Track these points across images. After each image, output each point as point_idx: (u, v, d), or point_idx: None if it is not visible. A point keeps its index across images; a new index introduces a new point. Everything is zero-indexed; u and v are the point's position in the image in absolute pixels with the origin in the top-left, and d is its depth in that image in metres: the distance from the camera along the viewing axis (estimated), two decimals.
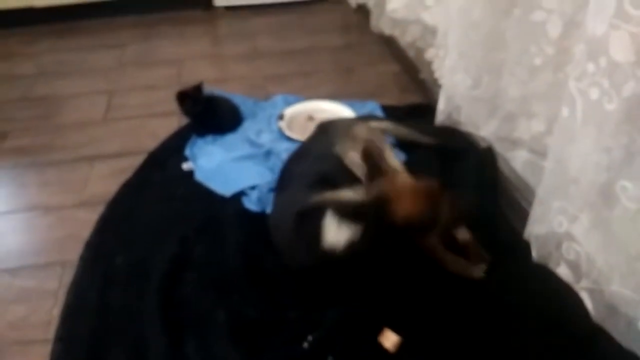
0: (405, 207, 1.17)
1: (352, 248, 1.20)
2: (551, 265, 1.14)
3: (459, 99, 1.32)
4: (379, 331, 1.24)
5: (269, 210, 1.62)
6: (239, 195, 1.71)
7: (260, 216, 1.63)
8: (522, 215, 1.49)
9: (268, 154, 1.88)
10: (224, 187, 1.75)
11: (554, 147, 1.03)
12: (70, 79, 2.52)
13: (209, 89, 2.26)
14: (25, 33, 2.95)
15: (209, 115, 2.02)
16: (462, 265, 1.35)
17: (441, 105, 1.65)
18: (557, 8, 1.03)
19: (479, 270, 1.34)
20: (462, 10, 1.29)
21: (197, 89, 2.00)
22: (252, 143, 1.96)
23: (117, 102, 2.32)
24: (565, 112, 0.95)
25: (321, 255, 1.25)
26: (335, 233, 1.22)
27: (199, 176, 1.81)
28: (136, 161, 1.90)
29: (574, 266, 1.08)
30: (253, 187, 1.72)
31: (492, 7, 1.21)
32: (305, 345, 1.25)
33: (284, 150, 1.83)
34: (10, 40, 2.89)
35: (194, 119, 2.04)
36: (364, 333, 1.25)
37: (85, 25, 3.04)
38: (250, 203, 1.67)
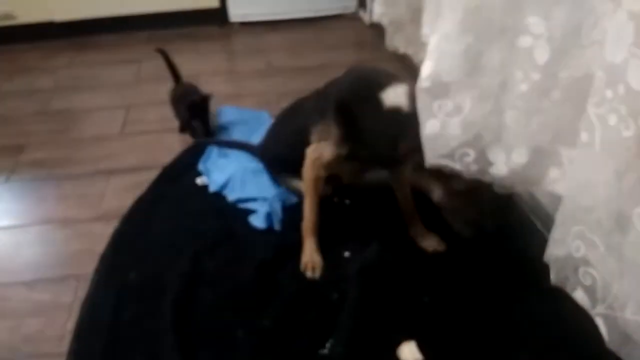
0: None
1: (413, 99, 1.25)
2: (568, 289, 1.14)
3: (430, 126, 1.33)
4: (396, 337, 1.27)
5: (277, 226, 1.66)
6: (249, 211, 1.73)
7: (271, 231, 1.65)
8: (536, 236, 1.49)
9: None
10: (233, 194, 1.79)
11: (572, 171, 1.04)
12: (88, 94, 2.56)
13: (224, 104, 2.31)
14: (44, 47, 3.02)
15: None
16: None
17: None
18: (544, 33, 1.02)
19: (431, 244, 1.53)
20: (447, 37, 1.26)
21: (205, 99, 2.09)
22: None
23: (133, 116, 2.36)
24: (584, 137, 0.95)
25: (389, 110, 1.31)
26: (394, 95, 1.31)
27: (213, 190, 1.83)
28: (152, 175, 1.92)
29: (590, 291, 1.08)
30: (256, 200, 1.75)
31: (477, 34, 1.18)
32: (325, 351, 1.27)
33: None
34: (29, 55, 2.96)
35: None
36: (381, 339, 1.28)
37: (103, 40, 3.10)
38: (258, 220, 1.68)
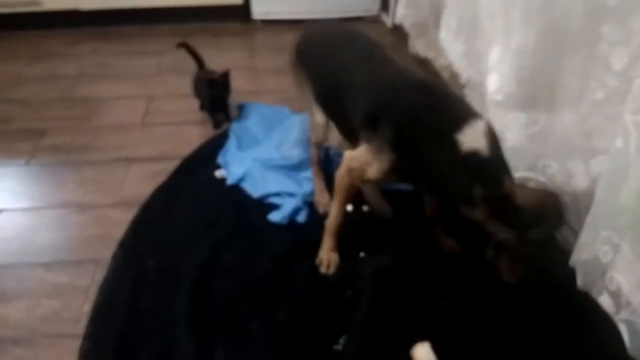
0: None
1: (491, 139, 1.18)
2: (594, 293, 1.14)
3: (510, 138, 1.28)
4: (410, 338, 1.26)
5: (302, 218, 1.69)
6: (267, 206, 1.74)
7: (288, 226, 1.67)
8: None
9: (297, 165, 1.91)
10: (253, 189, 1.81)
11: (605, 176, 1.04)
12: (111, 82, 2.58)
13: (244, 100, 2.32)
14: (68, 35, 3.04)
15: None
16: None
17: None
18: (621, 39, 1.02)
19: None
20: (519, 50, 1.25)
21: (225, 75, 2.14)
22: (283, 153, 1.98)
23: (154, 107, 2.37)
24: (619, 143, 0.95)
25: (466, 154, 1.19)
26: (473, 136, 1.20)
27: (231, 183, 1.85)
28: (171, 166, 1.93)
29: (616, 296, 1.07)
30: (279, 195, 1.77)
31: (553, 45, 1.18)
32: (339, 347, 1.27)
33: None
34: (53, 41, 2.98)
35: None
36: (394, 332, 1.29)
37: (127, 31, 3.12)
38: (279, 216, 1.69)
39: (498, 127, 1.17)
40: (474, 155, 1.15)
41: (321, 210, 1.71)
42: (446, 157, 1.19)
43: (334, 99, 1.53)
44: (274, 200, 1.76)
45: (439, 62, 2.39)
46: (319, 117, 1.67)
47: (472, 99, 1.92)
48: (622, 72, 0.99)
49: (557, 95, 1.12)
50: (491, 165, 1.15)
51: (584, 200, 1.17)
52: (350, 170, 1.40)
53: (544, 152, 1.14)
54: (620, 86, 1.00)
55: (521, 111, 1.15)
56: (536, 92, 1.13)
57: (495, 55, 1.16)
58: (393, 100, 1.31)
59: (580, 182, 1.13)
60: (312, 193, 1.78)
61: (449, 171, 1.20)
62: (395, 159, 1.27)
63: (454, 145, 1.17)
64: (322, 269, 1.49)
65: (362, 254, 1.55)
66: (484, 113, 1.61)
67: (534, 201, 1.14)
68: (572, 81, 1.09)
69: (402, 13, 2.68)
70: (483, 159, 1.15)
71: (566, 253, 1.35)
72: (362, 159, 1.35)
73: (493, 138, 1.17)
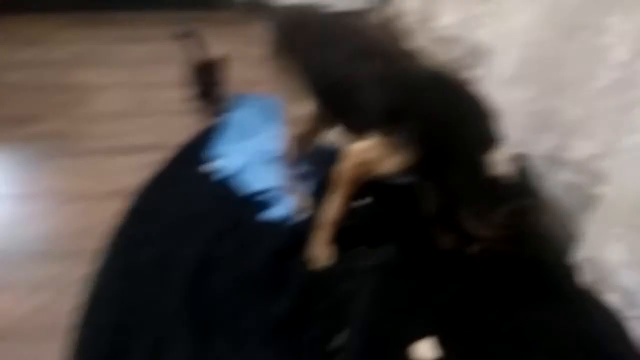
0: None
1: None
2: (603, 290, 1.13)
3: (511, 115, 1.29)
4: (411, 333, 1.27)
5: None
6: (262, 200, 1.73)
7: (284, 219, 1.65)
8: (556, 239, 1.48)
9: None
10: (246, 184, 1.78)
11: (614, 173, 1.03)
12: (105, 69, 2.54)
13: (239, 90, 2.29)
14: (63, 18, 2.97)
15: None
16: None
17: None
18: (625, 32, 1.02)
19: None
20: (523, 30, 1.26)
21: (217, 63, 2.17)
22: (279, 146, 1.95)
23: (148, 96, 2.34)
24: (629, 139, 0.94)
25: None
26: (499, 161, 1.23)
27: (225, 174, 1.82)
28: (165, 156, 1.91)
29: (626, 294, 1.07)
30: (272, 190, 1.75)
31: (556, 29, 1.20)
32: (338, 341, 1.27)
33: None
34: (47, 24, 2.91)
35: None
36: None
37: (122, 17, 3.06)
38: (277, 212, 1.67)
39: (501, 104, 1.18)
40: (495, 180, 1.18)
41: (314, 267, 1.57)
42: (469, 171, 1.22)
43: (339, 92, 1.47)
44: (267, 195, 1.74)
45: (441, 56, 2.37)
46: (307, 106, 1.59)
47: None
48: (626, 65, 0.99)
49: (561, 78, 1.13)
50: (507, 192, 1.18)
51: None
52: (359, 164, 1.36)
53: (542, 129, 1.15)
54: (622, 78, 1.00)
55: (523, 89, 1.15)
56: (540, 73, 1.14)
57: (501, 33, 1.17)
58: (421, 96, 1.29)
59: (573, 156, 1.14)
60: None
61: (469, 190, 1.24)
62: (420, 156, 1.26)
63: (479, 166, 1.20)
64: (313, 266, 1.46)
65: (360, 248, 1.53)
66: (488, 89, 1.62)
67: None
68: (576, 66, 1.10)
69: (402, 6, 2.66)
70: (502, 184, 1.18)
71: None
72: (376, 152, 1.32)
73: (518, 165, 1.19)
